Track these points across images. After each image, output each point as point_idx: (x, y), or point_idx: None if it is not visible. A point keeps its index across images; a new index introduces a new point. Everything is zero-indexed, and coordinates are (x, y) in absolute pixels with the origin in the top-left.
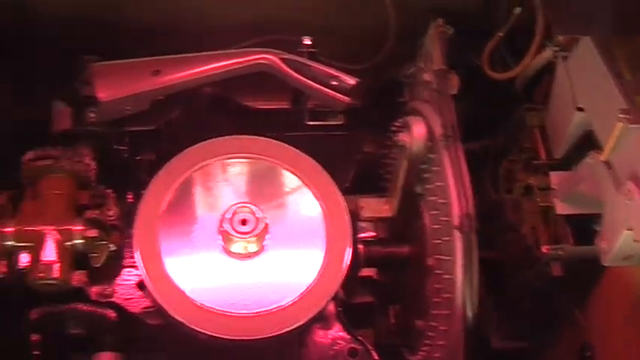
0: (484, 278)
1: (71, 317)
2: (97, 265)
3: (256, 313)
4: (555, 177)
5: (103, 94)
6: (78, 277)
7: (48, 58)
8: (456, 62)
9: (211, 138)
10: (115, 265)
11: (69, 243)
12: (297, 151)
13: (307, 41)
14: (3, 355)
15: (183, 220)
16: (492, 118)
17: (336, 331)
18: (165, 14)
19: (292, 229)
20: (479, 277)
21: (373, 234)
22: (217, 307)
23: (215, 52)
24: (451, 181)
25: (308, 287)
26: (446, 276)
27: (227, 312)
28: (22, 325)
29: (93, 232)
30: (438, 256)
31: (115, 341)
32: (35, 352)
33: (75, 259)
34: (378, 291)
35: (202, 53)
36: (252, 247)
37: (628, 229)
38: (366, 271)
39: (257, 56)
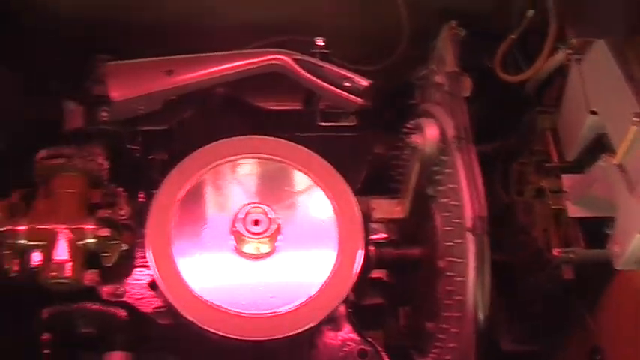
0: (494, 281)
1: (82, 316)
2: (109, 265)
3: (268, 313)
4: (567, 180)
5: (116, 93)
6: (90, 277)
7: (60, 57)
8: (468, 64)
9: (223, 138)
10: (126, 264)
11: (81, 242)
12: (310, 151)
13: (320, 42)
14: (14, 353)
15: (196, 220)
16: (504, 121)
17: (346, 332)
18: (176, 14)
19: (304, 230)
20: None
21: (385, 235)
22: (229, 308)
23: (228, 53)
24: (464, 184)
25: (320, 288)
26: (457, 278)
27: (238, 312)
28: (34, 324)
29: (105, 232)
30: (450, 258)
31: (126, 340)
32: (46, 351)
33: (87, 258)
34: (388, 292)
35: (215, 53)
36: (265, 248)
37: None
38: (377, 273)
39: (270, 57)
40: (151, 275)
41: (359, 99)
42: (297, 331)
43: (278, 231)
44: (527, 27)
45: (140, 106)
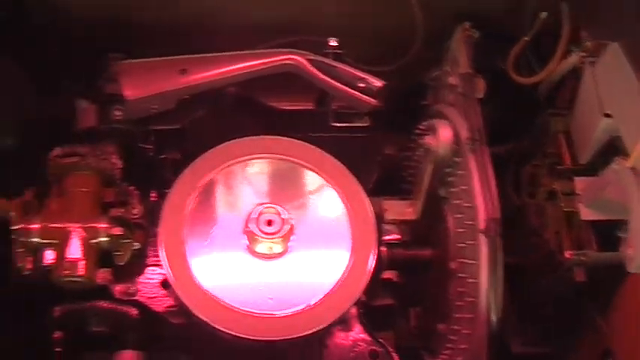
0: (506, 283)
1: (94, 315)
2: (121, 264)
3: (280, 314)
4: (580, 182)
5: (130, 92)
6: (102, 275)
7: (72, 56)
8: (482, 66)
9: (236, 138)
10: (138, 263)
11: (94, 241)
12: (322, 152)
13: (333, 42)
14: (26, 351)
15: (208, 220)
16: (516, 123)
17: (357, 333)
18: (188, 14)
19: (317, 230)
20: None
21: (398, 237)
22: (241, 307)
23: (242, 52)
24: (477, 185)
25: (333, 289)
26: (470, 280)
27: (251, 312)
28: (46, 322)
29: (118, 230)
30: (462, 260)
31: (138, 340)
32: (57, 350)
33: (99, 256)
34: (399, 293)
35: (229, 53)
36: (277, 248)
37: None
38: (387, 274)
39: (284, 57)
40: (164, 274)
41: (373, 100)
42: (309, 332)
43: (291, 231)
44: (540, 29)
45: (153, 105)
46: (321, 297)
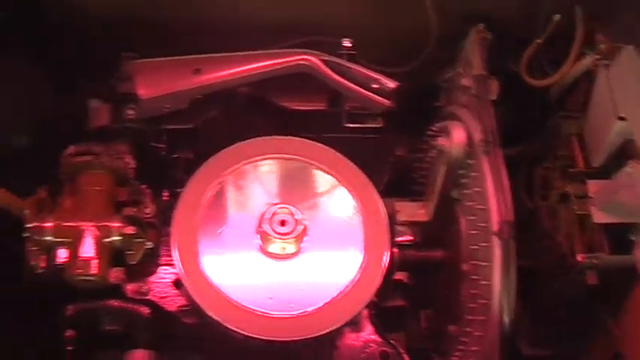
0: (518, 285)
1: (106, 314)
2: (134, 263)
3: (293, 314)
4: (593, 185)
5: (143, 91)
6: (115, 274)
7: (89, 55)
8: (495, 68)
9: (249, 138)
10: (150, 262)
11: (107, 239)
12: (336, 152)
13: (347, 43)
14: (39, 350)
15: (221, 220)
16: (529, 125)
17: (368, 334)
18: (203, 13)
19: (330, 231)
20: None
21: (410, 238)
22: (253, 307)
23: (256, 52)
24: (490, 187)
25: (346, 290)
26: (482, 282)
27: (263, 312)
28: (58, 321)
29: (131, 229)
30: (474, 262)
31: (150, 339)
32: (69, 348)
33: (112, 255)
34: (410, 295)
35: (243, 53)
36: (290, 249)
37: None
38: (399, 275)
39: (298, 57)
40: (176, 274)
41: (386, 101)
42: (322, 332)
43: (304, 232)
44: (553, 31)
45: (166, 105)
46: (334, 298)
